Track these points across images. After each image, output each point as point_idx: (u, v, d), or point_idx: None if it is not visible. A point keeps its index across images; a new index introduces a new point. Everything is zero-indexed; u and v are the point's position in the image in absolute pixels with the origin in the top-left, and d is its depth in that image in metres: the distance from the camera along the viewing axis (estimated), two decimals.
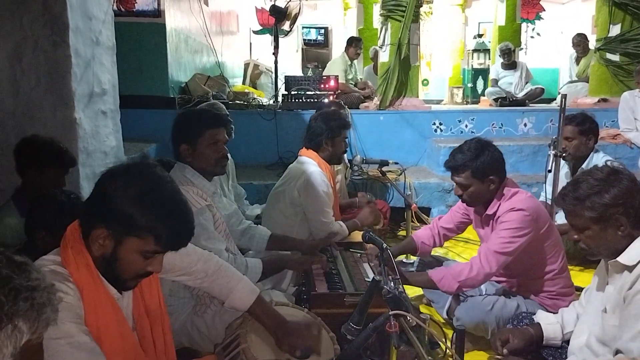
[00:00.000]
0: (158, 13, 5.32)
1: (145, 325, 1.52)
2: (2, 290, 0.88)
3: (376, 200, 3.88)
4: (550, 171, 3.05)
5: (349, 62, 6.95)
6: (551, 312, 2.18)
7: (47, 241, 1.88)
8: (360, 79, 7.27)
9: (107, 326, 1.37)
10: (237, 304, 1.73)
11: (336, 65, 6.96)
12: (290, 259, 2.40)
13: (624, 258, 1.65)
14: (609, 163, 1.94)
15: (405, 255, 3.56)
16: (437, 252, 3.40)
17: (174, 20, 5.61)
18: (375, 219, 3.15)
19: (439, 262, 2.91)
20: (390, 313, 1.48)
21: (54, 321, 0.97)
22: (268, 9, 6.22)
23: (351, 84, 6.88)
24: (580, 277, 3.25)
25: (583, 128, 3.51)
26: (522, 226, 2.29)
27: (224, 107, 3.82)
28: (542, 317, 2.07)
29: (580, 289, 2.84)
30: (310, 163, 3.00)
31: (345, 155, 3.83)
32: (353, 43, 6.95)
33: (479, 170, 2.34)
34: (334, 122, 3.06)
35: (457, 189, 2.44)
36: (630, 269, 1.64)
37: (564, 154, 3.24)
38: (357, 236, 2.98)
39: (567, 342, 1.94)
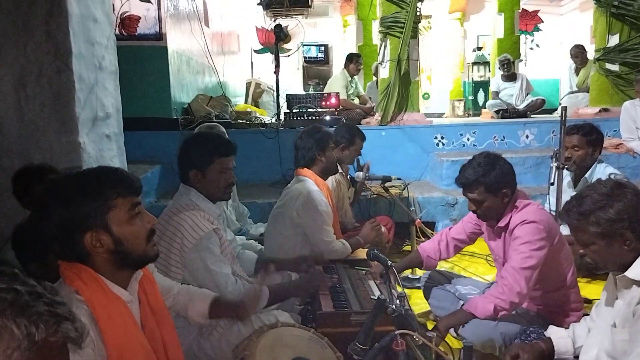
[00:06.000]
0: (160, 36, 5.39)
1: (153, 326, 1.54)
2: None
3: (379, 217, 3.88)
4: (553, 184, 3.04)
5: (349, 78, 7.00)
6: (559, 327, 2.16)
7: (39, 274, 1.85)
8: (361, 95, 7.31)
9: (124, 332, 1.38)
10: (198, 310, 1.89)
11: (337, 81, 7.01)
12: (296, 286, 2.38)
13: (632, 273, 1.64)
14: (612, 176, 1.94)
15: (410, 271, 3.55)
16: (442, 266, 3.38)
17: (175, 42, 5.68)
18: (378, 236, 3.14)
19: (447, 278, 2.89)
20: (396, 332, 1.47)
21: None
22: (268, 28, 6.28)
23: (352, 99, 6.93)
24: (587, 288, 3.23)
25: (590, 139, 3.52)
26: (537, 238, 2.28)
27: (224, 130, 3.82)
28: (553, 332, 2.05)
29: (588, 301, 2.84)
30: (308, 182, 3.00)
31: (349, 173, 3.85)
32: (353, 59, 7.00)
33: (492, 184, 2.34)
34: (319, 134, 3.10)
35: (471, 205, 2.43)
36: (638, 283, 1.63)
37: (566, 165, 3.24)
38: (362, 253, 2.97)
39: (578, 357, 1.92)
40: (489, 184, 2.34)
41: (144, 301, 1.54)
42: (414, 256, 2.81)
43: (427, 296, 2.89)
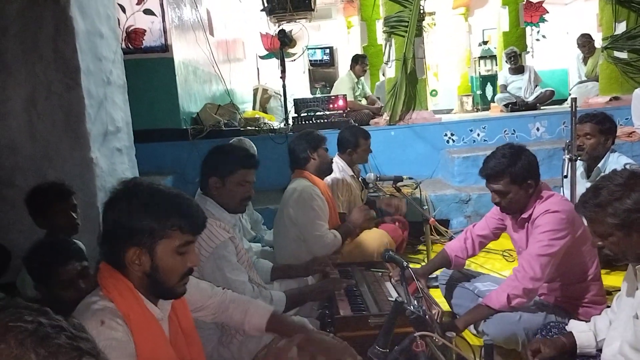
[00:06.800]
0: (166, 48, 5.44)
1: (183, 346, 1.55)
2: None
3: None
4: (566, 176, 3.01)
5: (356, 80, 7.00)
6: (582, 320, 2.14)
7: (47, 297, 1.87)
8: (369, 95, 7.30)
9: (155, 348, 1.40)
10: (255, 324, 1.82)
11: (343, 83, 7.01)
12: (311, 291, 2.38)
13: None
14: (627, 166, 1.91)
15: None
16: None
17: (181, 53, 5.72)
18: (366, 220, 3.14)
19: (466, 276, 2.86)
20: (416, 334, 1.47)
21: None
22: (273, 34, 6.30)
23: (359, 100, 6.93)
24: (607, 279, 3.18)
25: (603, 127, 3.48)
26: (559, 228, 2.25)
27: (253, 145, 3.82)
28: (574, 326, 2.03)
29: (608, 292, 2.80)
30: (302, 180, 3.07)
31: (360, 175, 3.85)
32: (359, 60, 7.00)
33: (518, 175, 2.32)
34: (311, 136, 3.17)
35: (495, 197, 2.40)
36: None
37: (579, 155, 3.21)
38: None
39: (601, 350, 1.90)
40: (514, 175, 2.31)
41: (175, 322, 1.55)
42: (442, 256, 2.75)
43: (447, 295, 2.87)
